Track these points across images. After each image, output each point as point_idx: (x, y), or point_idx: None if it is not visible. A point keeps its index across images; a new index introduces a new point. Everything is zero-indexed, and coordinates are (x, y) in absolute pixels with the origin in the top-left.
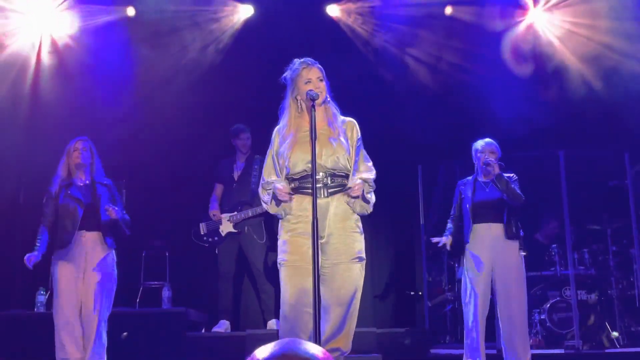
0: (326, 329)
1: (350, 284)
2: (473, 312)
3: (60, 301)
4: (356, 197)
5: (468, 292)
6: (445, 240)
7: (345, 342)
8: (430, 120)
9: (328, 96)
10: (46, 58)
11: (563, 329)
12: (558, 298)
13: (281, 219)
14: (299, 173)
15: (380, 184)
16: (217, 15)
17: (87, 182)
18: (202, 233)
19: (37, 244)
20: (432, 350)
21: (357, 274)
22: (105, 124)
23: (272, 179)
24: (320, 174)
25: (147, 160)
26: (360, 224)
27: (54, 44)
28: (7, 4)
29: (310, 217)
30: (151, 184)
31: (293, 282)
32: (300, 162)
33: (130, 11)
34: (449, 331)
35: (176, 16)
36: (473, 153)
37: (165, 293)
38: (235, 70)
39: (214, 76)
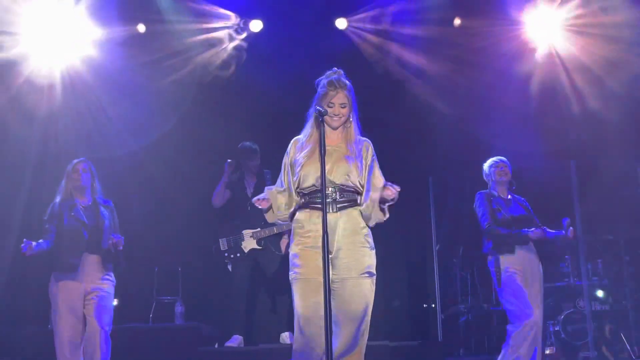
0: (338, 345)
1: (360, 299)
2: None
3: (61, 324)
4: (392, 201)
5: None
6: (540, 232)
7: (356, 359)
8: (441, 132)
9: (350, 117)
10: (58, 74)
11: (577, 340)
12: (572, 309)
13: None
14: (308, 188)
15: None
16: (227, 30)
17: (89, 203)
18: (222, 249)
19: (38, 242)
20: None
21: (367, 289)
22: (116, 140)
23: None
24: (330, 189)
25: (158, 175)
26: (370, 240)
27: (65, 61)
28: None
29: (320, 232)
30: (163, 199)
31: (306, 296)
32: (310, 177)
33: (141, 28)
34: (463, 343)
35: (185, 32)
36: (486, 169)
37: (178, 308)
38: (245, 84)
39: (224, 90)
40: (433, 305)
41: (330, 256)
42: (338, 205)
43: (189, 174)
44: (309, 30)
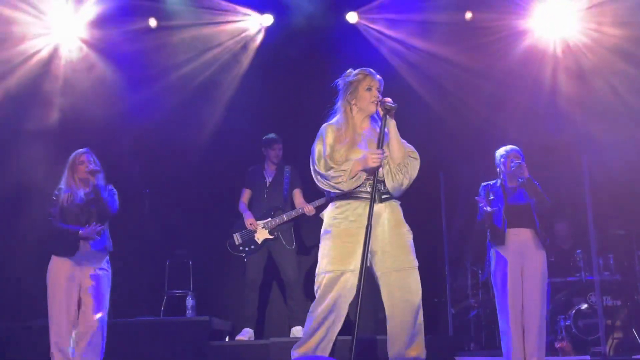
0: (396, 340)
1: (416, 290)
2: (505, 314)
3: (54, 311)
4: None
5: (499, 294)
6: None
7: (420, 350)
8: (452, 126)
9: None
10: (68, 66)
11: (588, 335)
12: (583, 304)
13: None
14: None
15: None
16: (238, 24)
17: (89, 192)
18: (237, 243)
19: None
20: (457, 358)
21: (418, 279)
22: (129, 133)
23: (335, 166)
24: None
25: (170, 168)
26: (411, 232)
27: (78, 52)
28: (26, 13)
29: (361, 223)
30: (174, 192)
31: (331, 289)
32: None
33: (152, 22)
34: (473, 338)
35: (197, 26)
36: (497, 158)
37: (189, 301)
38: (257, 78)
39: (236, 84)
40: (443, 300)
41: (375, 249)
42: (382, 197)
43: (201, 167)
44: (320, 23)
